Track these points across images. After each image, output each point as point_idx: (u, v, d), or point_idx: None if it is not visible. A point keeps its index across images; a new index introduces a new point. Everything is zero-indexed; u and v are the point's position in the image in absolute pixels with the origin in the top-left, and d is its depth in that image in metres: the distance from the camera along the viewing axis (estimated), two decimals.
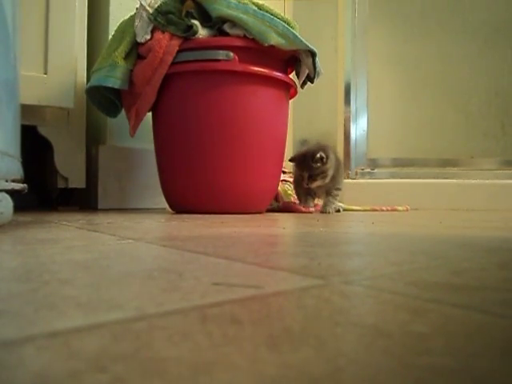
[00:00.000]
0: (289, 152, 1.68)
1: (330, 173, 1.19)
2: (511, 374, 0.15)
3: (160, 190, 1.16)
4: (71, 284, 0.26)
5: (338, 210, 1.29)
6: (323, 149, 1.17)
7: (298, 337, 0.18)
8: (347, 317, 0.21)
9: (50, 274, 0.29)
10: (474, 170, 1.71)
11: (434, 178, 1.71)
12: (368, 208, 1.42)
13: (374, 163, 1.83)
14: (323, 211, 1.22)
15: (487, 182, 1.64)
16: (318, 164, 1.16)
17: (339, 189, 1.25)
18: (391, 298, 0.25)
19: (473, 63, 1.77)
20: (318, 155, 1.15)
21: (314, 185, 1.19)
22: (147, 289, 0.26)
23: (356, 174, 1.82)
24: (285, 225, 0.81)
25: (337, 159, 1.28)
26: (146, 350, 0.16)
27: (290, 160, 1.25)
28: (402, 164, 1.80)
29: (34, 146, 1.21)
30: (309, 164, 1.17)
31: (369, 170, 1.83)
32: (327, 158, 1.17)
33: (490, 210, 1.50)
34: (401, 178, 1.74)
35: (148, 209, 1.33)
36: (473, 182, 1.66)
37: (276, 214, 1.19)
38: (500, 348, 0.17)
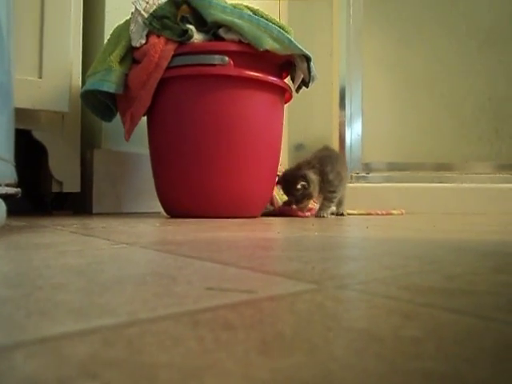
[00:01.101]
0: (284, 156, 1.69)
1: (315, 194, 1.23)
2: (503, 379, 0.15)
3: (155, 194, 1.16)
4: (64, 289, 0.26)
5: (341, 214, 1.31)
6: (302, 175, 1.20)
7: (290, 342, 0.18)
8: (340, 321, 0.21)
9: (43, 279, 0.29)
10: (468, 174, 1.72)
11: (429, 182, 1.72)
12: (363, 212, 1.42)
13: (368, 167, 1.84)
14: (318, 215, 1.22)
15: (482, 186, 1.65)
16: (301, 191, 1.20)
17: (333, 191, 1.25)
18: (384, 302, 0.25)
19: (467, 68, 1.79)
20: (299, 186, 1.19)
21: (302, 205, 1.25)
22: (140, 294, 0.25)
23: (351, 178, 1.82)
24: (279, 229, 0.81)
25: (341, 163, 1.31)
26: (137, 355, 0.16)
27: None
28: (396, 168, 1.81)
29: (29, 150, 1.21)
30: (292, 191, 1.21)
31: (364, 174, 1.83)
32: (309, 183, 1.20)
33: (485, 214, 1.51)
34: (396, 182, 1.74)
35: (143, 213, 1.32)
36: (467, 186, 1.67)
37: (271, 218, 1.19)
38: (492, 353, 0.17)
